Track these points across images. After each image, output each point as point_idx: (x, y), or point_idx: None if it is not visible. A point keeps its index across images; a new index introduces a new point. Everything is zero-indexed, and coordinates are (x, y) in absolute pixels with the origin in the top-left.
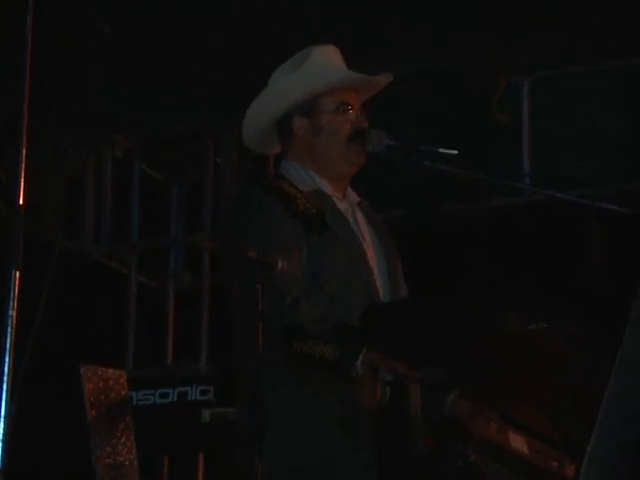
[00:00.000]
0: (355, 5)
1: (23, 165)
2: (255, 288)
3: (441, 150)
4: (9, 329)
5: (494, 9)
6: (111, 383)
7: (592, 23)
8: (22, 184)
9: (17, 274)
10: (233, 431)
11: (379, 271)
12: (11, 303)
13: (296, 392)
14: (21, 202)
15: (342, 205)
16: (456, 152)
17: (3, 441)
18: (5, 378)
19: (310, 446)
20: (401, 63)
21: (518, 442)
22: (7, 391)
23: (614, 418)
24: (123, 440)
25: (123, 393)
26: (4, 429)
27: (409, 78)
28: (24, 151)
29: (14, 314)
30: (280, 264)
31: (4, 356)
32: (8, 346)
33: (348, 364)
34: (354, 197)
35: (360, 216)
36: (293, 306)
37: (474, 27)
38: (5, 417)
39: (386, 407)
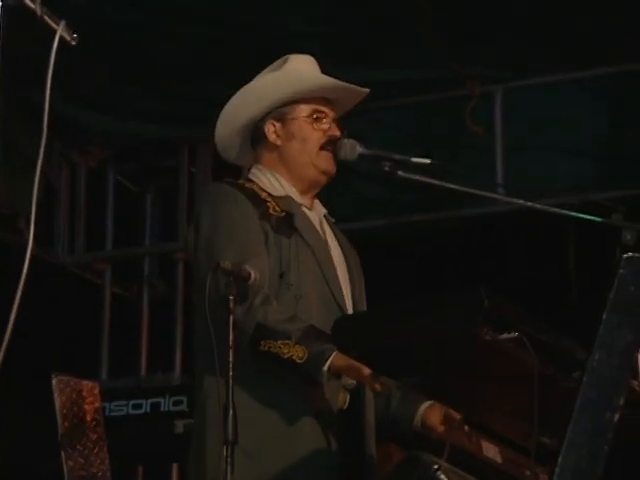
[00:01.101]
0: (327, 19)
1: None
2: (227, 299)
3: (414, 159)
4: None
5: (463, 18)
6: (84, 394)
7: (564, 32)
8: None
9: None
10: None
11: (343, 283)
12: None
13: (259, 391)
14: None
15: (310, 215)
16: (429, 161)
17: None
18: None
19: (272, 445)
20: (373, 72)
21: (491, 451)
22: None
23: (585, 426)
24: (96, 451)
25: (96, 404)
26: None
27: (380, 88)
28: None
29: None
30: (253, 275)
31: None
32: None
33: (315, 368)
34: (321, 209)
35: (327, 228)
36: (264, 304)
37: (445, 37)
38: None
39: (344, 412)
